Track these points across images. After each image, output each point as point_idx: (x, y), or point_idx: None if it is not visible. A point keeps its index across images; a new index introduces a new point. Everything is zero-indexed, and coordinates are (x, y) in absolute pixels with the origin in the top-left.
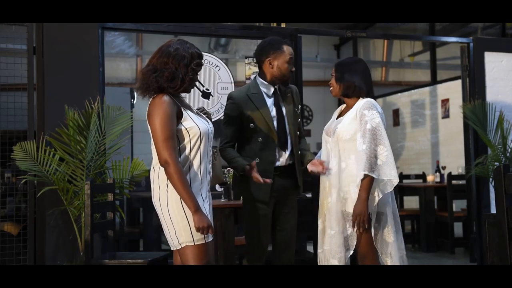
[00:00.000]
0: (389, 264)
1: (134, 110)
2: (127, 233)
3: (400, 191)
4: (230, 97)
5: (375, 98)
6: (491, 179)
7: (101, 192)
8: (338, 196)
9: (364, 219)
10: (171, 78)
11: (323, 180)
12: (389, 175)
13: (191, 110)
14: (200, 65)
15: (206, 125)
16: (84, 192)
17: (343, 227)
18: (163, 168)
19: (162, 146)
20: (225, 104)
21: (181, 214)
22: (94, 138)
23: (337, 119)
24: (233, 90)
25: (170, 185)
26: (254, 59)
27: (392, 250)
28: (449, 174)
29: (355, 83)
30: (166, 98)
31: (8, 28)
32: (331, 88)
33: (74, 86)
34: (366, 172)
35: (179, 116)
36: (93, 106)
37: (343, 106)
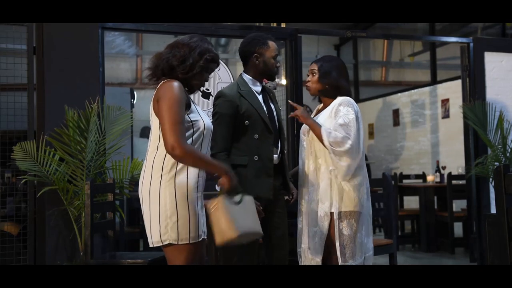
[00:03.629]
0: (349, 263)
1: (134, 110)
2: (127, 233)
3: (400, 191)
4: (221, 95)
5: (352, 96)
6: (491, 179)
7: (101, 192)
8: (315, 195)
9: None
10: (182, 60)
11: (300, 179)
12: (337, 156)
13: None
14: (213, 61)
15: (210, 122)
16: (84, 192)
17: (321, 226)
18: (160, 157)
19: (170, 130)
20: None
21: (172, 209)
22: (94, 138)
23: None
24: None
25: (164, 176)
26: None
27: (356, 250)
28: (449, 174)
29: (340, 83)
30: (176, 83)
31: (8, 28)
32: (309, 87)
33: (74, 86)
34: (326, 134)
35: (187, 106)
36: (93, 106)
37: (320, 105)
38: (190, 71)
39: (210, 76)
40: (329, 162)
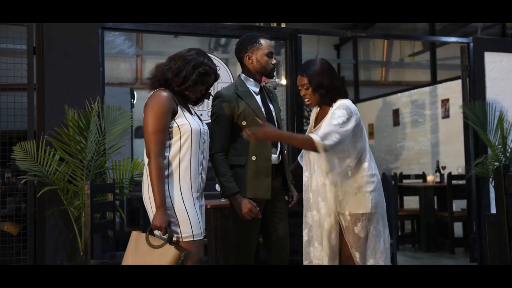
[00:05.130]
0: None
1: (134, 110)
2: (127, 233)
3: (400, 191)
4: (219, 96)
5: (348, 96)
6: (491, 179)
7: (101, 192)
8: (327, 208)
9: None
10: (176, 72)
11: (306, 192)
12: (330, 142)
13: (189, 111)
14: (207, 74)
15: (198, 125)
16: (84, 192)
17: (331, 238)
18: None
19: (149, 138)
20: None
21: (171, 211)
22: (94, 138)
23: (314, 127)
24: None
25: None
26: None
27: (368, 252)
28: (449, 174)
29: (334, 87)
30: (165, 93)
31: (8, 28)
32: (308, 101)
33: (74, 86)
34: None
35: (174, 113)
36: (93, 106)
37: (318, 109)
38: (183, 84)
39: (212, 88)
40: (335, 175)
